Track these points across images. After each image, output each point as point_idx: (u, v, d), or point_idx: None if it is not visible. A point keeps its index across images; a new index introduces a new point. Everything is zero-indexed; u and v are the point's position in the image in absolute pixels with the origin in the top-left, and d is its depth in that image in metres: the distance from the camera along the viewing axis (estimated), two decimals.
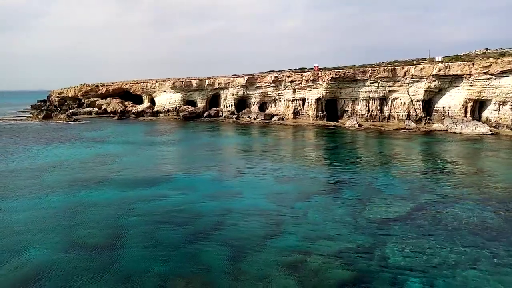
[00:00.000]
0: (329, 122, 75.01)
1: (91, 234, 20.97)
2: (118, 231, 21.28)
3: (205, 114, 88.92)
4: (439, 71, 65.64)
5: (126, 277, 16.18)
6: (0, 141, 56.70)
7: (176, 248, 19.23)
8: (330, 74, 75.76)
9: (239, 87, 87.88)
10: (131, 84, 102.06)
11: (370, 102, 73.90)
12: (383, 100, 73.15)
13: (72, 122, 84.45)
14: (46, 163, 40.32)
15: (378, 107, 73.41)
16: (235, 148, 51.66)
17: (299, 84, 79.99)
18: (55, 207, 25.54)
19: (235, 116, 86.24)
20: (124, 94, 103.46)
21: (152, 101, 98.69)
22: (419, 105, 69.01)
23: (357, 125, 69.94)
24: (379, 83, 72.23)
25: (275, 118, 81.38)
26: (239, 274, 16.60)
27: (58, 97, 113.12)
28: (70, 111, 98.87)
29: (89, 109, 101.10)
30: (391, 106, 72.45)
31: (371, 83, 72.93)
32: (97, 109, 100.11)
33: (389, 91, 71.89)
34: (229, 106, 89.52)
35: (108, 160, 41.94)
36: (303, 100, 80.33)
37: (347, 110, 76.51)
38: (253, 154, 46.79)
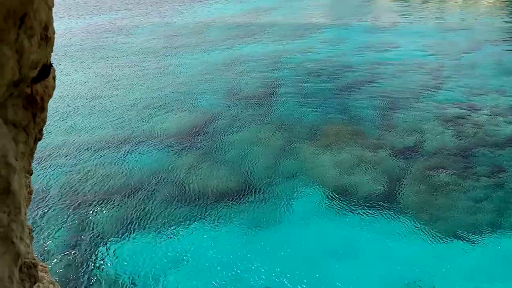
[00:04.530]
0: None
1: (248, 85, 22.73)
2: (272, 82, 22.60)
3: None
4: None
5: (282, 123, 17.66)
6: (165, 1, 61.92)
7: (327, 98, 19.69)
8: None
9: None
10: None
11: None
12: None
13: None
14: (205, 19, 43.13)
15: None
16: None
17: None
18: (216, 60, 28.02)
19: None
20: None
21: None
22: None
23: None
24: None
25: None
26: (390, 126, 16.43)
27: None
28: None
29: None
30: None
31: None
32: None
33: None
34: None
35: (259, 14, 42.51)
36: None
37: None
38: (412, 1, 41.24)
